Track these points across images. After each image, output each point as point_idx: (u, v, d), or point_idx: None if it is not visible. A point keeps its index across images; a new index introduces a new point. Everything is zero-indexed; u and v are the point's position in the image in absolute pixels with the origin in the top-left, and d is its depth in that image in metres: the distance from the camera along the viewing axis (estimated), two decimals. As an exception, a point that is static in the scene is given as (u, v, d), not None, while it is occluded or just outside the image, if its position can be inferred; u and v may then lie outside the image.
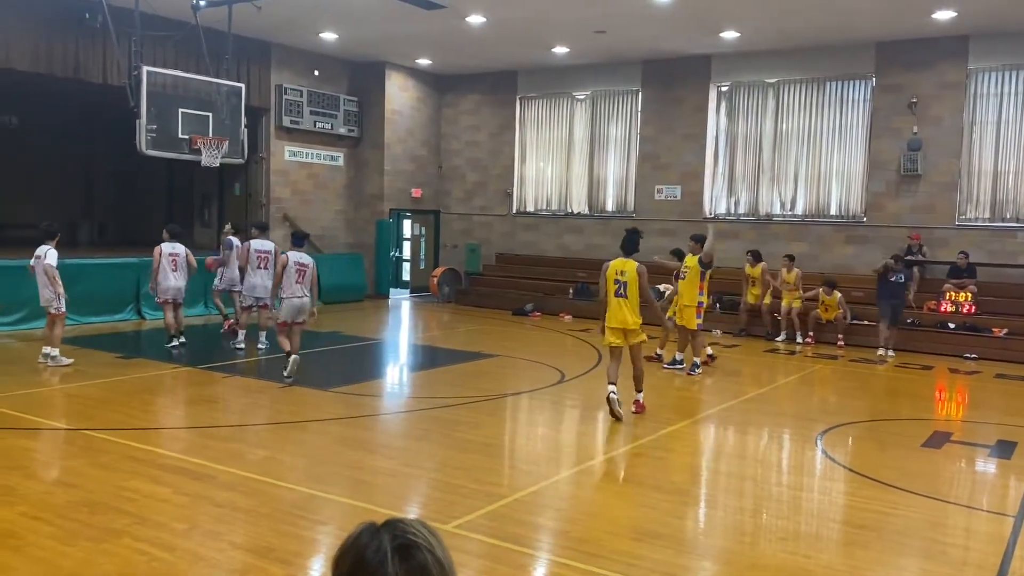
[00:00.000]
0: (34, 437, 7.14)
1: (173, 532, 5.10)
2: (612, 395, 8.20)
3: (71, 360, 10.20)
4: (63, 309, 10.29)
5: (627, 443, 7.71)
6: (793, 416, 9.31)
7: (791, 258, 14.68)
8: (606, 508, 6.11)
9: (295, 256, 10.04)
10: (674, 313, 11.52)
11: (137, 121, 12.53)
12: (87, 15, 13.42)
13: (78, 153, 21.26)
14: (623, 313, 8.38)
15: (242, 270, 11.91)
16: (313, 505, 5.76)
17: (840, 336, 13.97)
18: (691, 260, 11.10)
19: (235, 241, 12.37)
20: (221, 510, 5.54)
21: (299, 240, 10.55)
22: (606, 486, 6.69)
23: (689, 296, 10.99)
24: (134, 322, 14.06)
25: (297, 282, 9.98)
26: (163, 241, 11.51)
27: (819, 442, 7.88)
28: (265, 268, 11.64)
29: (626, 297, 8.38)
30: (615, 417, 8.22)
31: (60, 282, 10.19)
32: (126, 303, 14.24)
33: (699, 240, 11.13)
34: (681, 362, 11.25)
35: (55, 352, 10.16)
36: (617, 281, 8.41)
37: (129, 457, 6.76)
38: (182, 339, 11.43)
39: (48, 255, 10.17)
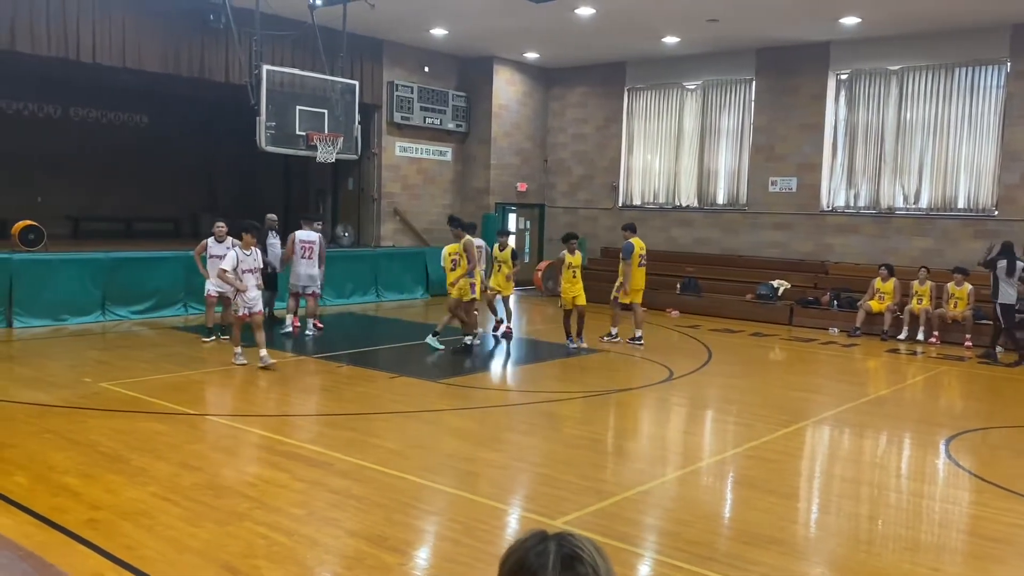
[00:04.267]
0: (164, 421, 7.51)
1: (291, 517, 5.26)
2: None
3: (244, 360, 10.01)
4: (238, 311, 10.04)
5: (739, 445, 7.51)
6: (917, 420, 8.87)
7: (964, 272, 13.55)
8: (718, 510, 5.97)
9: (477, 242, 12.43)
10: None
11: (257, 118, 13.02)
12: (211, 17, 14.04)
13: (201, 150, 22.26)
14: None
15: (286, 260, 12.40)
16: (424, 495, 5.85)
17: (968, 336, 13.22)
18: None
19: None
20: (336, 497, 5.68)
21: (471, 228, 12.62)
22: (718, 488, 6.53)
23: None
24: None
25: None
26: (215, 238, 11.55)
27: (945, 448, 7.48)
28: (309, 258, 12.23)
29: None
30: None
31: (235, 282, 9.88)
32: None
33: (630, 229, 12.78)
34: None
35: (244, 353, 10.02)
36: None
37: (249, 443, 7.04)
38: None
39: (226, 257, 10.13)
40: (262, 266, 10.42)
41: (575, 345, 11.91)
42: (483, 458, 6.86)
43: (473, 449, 7.10)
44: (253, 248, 10.14)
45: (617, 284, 12.59)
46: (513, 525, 5.44)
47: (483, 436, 7.63)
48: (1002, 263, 12.00)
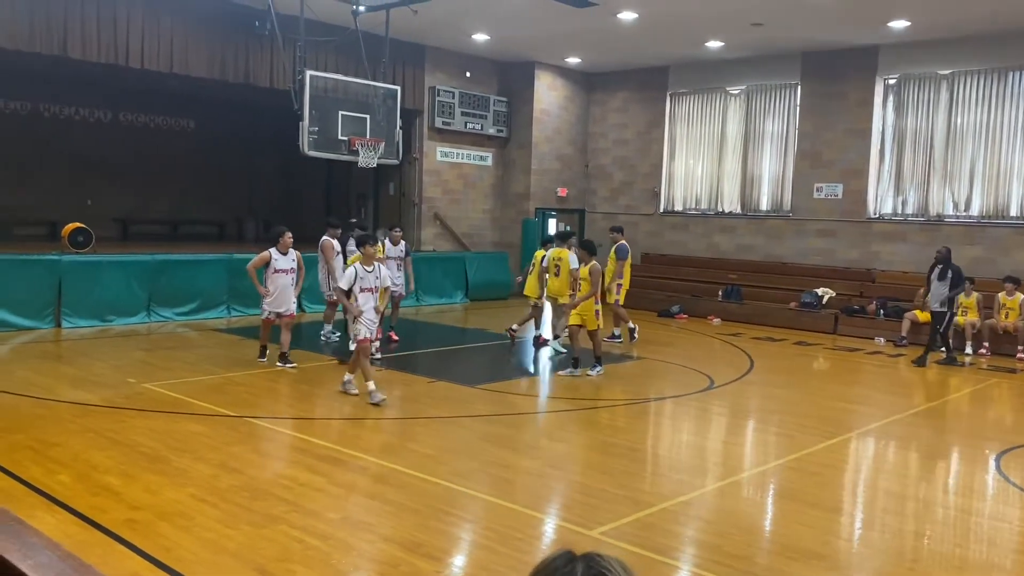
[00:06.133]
0: (203, 422, 7.59)
1: (327, 521, 5.27)
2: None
3: (356, 390, 8.91)
4: (359, 335, 8.67)
5: (781, 456, 7.36)
6: (965, 434, 8.63)
7: (1016, 281, 13.21)
8: (759, 523, 5.84)
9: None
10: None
11: (300, 123, 13.13)
12: (257, 23, 14.21)
13: (245, 154, 22.57)
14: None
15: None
16: (460, 501, 5.81)
17: (1021, 347, 12.84)
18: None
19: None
20: (372, 502, 5.68)
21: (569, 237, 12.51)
22: (759, 500, 6.39)
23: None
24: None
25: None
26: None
27: (996, 463, 7.25)
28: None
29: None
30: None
31: (352, 307, 8.64)
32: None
33: (619, 231, 13.69)
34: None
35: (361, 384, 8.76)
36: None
37: (287, 446, 7.08)
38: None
39: (345, 274, 8.86)
40: (385, 285, 9.01)
41: (593, 372, 10.40)
42: (519, 465, 6.81)
43: (509, 456, 7.05)
44: (376, 263, 8.79)
45: (616, 284, 13.12)
46: (549, 534, 5.38)
47: (518, 442, 7.59)
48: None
